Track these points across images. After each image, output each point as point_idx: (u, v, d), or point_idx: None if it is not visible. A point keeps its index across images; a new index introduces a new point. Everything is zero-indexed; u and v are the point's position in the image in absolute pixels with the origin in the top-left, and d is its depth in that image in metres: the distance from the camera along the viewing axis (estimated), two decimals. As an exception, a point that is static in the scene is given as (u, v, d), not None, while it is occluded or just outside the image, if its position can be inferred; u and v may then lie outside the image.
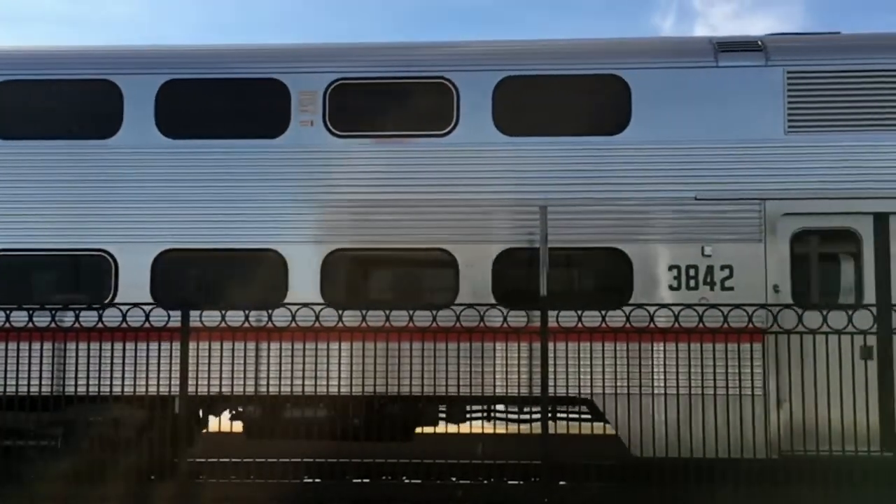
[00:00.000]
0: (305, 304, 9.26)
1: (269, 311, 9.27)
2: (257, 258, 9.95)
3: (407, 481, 9.85)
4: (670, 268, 9.72)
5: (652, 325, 9.07)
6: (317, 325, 9.16)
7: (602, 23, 50.31)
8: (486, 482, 9.71)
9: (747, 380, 9.28)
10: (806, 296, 9.66)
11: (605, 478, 9.15)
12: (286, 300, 9.64)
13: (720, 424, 9.16)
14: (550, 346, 9.26)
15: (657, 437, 9.31)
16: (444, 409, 10.17)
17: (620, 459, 9.50)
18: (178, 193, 10.01)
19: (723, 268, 9.66)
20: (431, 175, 9.99)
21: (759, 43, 10.05)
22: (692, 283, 9.67)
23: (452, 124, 10.02)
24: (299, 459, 9.50)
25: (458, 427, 10.46)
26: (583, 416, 9.83)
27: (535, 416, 9.68)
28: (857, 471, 9.01)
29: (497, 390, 9.58)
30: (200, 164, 10.08)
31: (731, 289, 9.60)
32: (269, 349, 9.48)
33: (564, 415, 9.78)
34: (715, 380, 9.21)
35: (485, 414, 10.33)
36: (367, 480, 9.97)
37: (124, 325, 9.22)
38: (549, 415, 9.39)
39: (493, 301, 9.60)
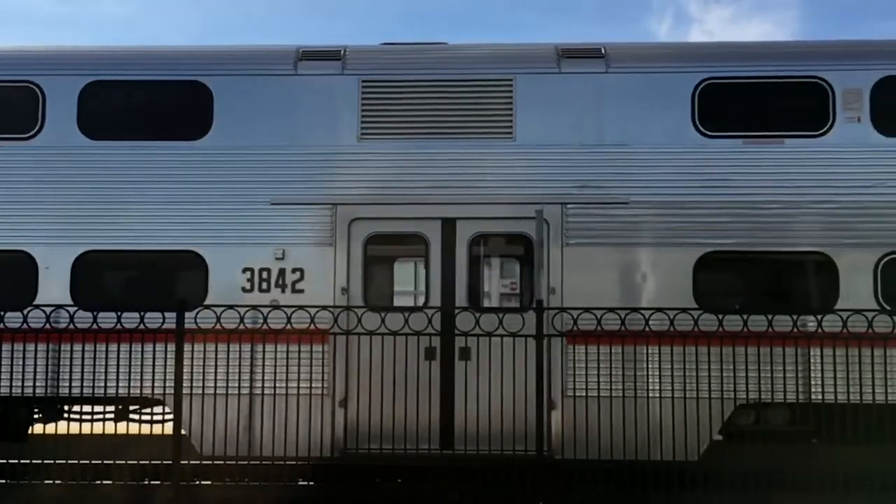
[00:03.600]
0: None
1: None
2: None
3: (402, 483, 9.78)
4: (244, 270, 9.94)
5: (219, 326, 9.24)
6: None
7: (598, 27, 50.65)
8: (481, 484, 9.48)
9: (316, 380, 9.60)
10: (377, 298, 9.98)
11: (602, 479, 9.09)
12: None
13: (288, 423, 9.39)
14: (125, 347, 9.37)
15: (217, 437, 9.38)
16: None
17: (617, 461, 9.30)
18: None
19: (294, 270, 9.92)
20: (17, 178, 10.07)
21: (340, 52, 10.33)
22: (265, 285, 9.91)
23: (37, 128, 10.13)
24: (294, 462, 9.38)
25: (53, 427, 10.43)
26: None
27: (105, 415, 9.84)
28: (415, 468, 9.36)
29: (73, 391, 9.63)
30: None
31: (302, 291, 9.86)
32: None
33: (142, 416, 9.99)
34: (275, 379, 9.43)
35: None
36: (361, 483, 9.78)
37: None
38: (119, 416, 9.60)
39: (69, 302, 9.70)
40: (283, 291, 9.89)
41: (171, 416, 9.95)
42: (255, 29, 45.54)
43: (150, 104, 10.22)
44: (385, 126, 10.11)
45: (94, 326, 9.13)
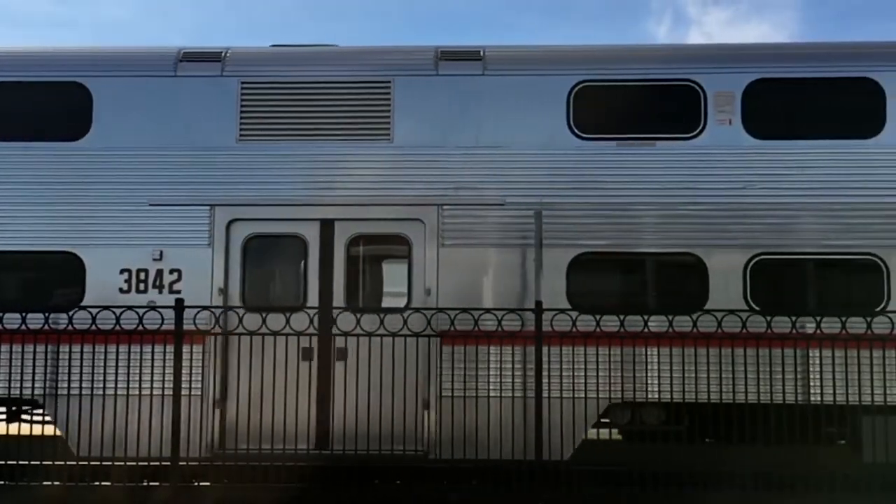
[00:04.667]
0: None
1: None
2: None
3: (400, 485, 9.73)
4: (122, 271, 9.95)
5: (94, 328, 9.22)
6: None
7: (596, 28, 50.37)
8: (479, 485, 9.53)
9: (193, 380, 9.58)
10: (257, 299, 10.02)
11: (601, 481, 9.09)
12: None
13: (160, 424, 9.38)
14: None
15: (94, 437, 9.34)
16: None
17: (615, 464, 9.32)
18: None
19: (172, 272, 9.95)
20: None
21: (221, 54, 10.36)
22: (142, 286, 9.93)
23: None
24: (293, 463, 9.33)
25: None
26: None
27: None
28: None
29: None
30: None
31: (179, 292, 9.87)
32: None
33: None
34: (152, 380, 9.36)
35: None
36: (359, 484, 9.74)
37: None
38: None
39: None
40: (160, 292, 9.91)
41: (49, 419, 10.06)
42: (255, 30, 45.40)
43: (29, 105, 10.21)
44: (264, 127, 10.15)
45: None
